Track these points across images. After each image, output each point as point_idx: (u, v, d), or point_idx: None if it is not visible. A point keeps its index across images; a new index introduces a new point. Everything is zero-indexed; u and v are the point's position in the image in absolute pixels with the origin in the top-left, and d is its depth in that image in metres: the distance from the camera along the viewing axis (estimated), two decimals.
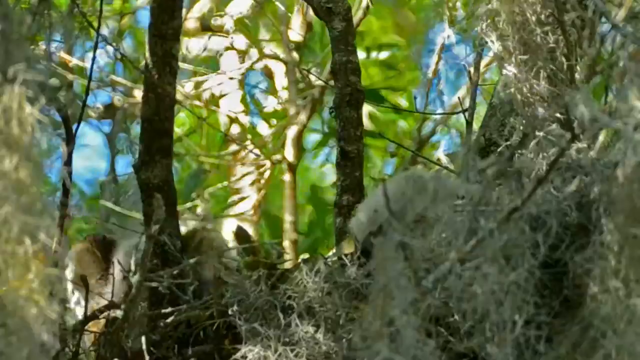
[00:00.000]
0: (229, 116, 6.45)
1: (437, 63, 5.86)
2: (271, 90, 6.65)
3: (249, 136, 6.46)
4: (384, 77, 6.51)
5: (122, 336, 3.27)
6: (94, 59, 3.49)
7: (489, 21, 3.34)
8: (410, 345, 2.57)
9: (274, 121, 6.65)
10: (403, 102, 6.70)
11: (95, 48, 3.46)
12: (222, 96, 6.51)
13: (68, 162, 3.41)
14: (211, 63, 6.67)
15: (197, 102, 6.37)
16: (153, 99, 3.47)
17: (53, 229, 2.56)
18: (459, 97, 4.86)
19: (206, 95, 6.48)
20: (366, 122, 6.19)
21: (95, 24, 3.63)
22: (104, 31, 5.98)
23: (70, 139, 3.42)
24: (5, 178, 2.49)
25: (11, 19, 2.45)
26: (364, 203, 3.49)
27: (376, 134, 6.02)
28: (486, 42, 3.37)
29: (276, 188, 6.60)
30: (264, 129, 6.65)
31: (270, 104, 6.69)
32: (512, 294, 2.67)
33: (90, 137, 6.67)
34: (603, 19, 3.36)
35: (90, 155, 6.71)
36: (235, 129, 6.52)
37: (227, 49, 6.57)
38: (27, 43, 2.50)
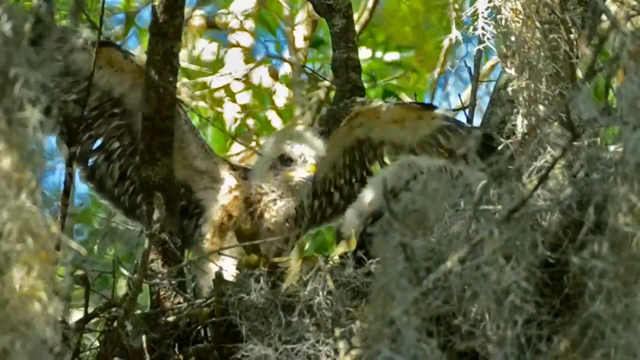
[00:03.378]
0: (244, 106, 6.41)
1: (443, 64, 5.86)
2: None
3: (255, 137, 6.43)
4: (392, 77, 6.49)
5: (123, 334, 3.27)
6: (95, 58, 3.49)
7: (490, 19, 3.33)
8: (410, 344, 2.57)
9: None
10: None
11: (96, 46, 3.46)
12: (237, 92, 6.49)
13: (69, 162, 3.41)
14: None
15: (202, 103, 6.34)
16: (154, 97, 3.46)
17: (55, 228, 2.56)
18: (459, 95, 4.86)
19: (219, 94, 6.45)
20: None
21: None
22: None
23: (72, 139, 3.42)
24: (7, 178, 2.49)
25: (13, 20, 2.45)
26: (360, 196, 3.52)
27: None
28: (488, 39, 3.36)
29: None
30: (277, 123, 6.62)
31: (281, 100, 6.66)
32: (512, 293, 2.67)
33: None
34: (604, 17, 3.35)
35: None
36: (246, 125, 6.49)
37: (231, 46, 6.55)
38: (29, 44, 2.49)
